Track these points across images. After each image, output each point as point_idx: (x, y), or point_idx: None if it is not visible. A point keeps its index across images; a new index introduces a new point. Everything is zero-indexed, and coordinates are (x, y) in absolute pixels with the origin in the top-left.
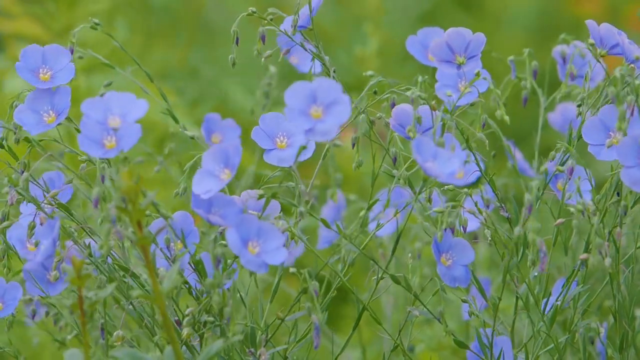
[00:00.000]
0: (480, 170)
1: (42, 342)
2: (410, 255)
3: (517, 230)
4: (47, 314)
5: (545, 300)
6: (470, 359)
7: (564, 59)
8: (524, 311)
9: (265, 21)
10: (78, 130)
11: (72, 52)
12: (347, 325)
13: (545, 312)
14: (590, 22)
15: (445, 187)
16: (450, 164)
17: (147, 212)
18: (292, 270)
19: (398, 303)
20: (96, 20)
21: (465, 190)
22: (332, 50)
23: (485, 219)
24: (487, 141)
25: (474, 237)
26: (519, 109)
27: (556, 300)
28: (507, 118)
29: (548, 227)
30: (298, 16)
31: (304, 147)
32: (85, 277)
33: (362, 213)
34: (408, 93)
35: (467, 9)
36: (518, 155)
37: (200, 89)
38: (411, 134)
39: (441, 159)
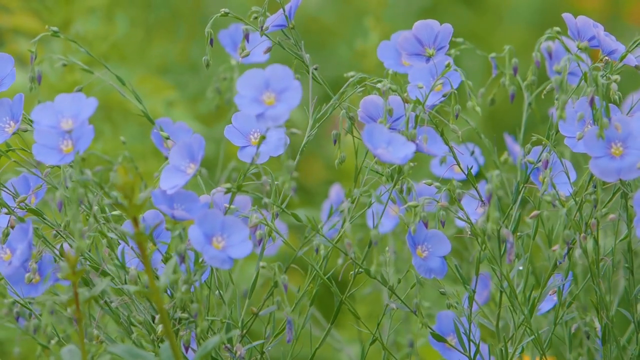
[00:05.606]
0: (458, 164)
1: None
2: (387, 249)
3: (481, 220)
4: (29, 316)
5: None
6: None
7: (550, 55)
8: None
9: (251, 19)
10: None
11: (32, 60)
12: (346, 320)
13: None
14: (566, 15)
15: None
16: (405, 148)
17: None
18: (262, 264)
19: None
20: (55, 28)
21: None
22: (332, 45)
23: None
24: (459, 132)
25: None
26: (514, 104)
27: (539, 294)
28: (478, 109)
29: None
30: (266, 18)
31: (263, 137)
32: (80, 272)
33: (344, 205)
34: (379, 85)
35: (468, 4)
36: (516, 148)
37: (201, 83)
38: None
39: (396, 144)
